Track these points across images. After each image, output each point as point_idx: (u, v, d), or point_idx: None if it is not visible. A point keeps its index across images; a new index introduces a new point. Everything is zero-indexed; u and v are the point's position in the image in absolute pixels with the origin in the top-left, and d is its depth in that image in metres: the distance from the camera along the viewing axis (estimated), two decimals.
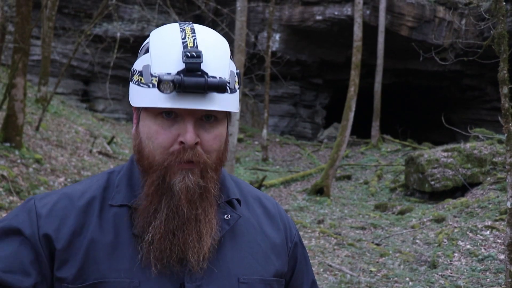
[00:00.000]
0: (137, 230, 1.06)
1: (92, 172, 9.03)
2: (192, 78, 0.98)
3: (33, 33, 14.73)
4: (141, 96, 1.04)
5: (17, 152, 7.89)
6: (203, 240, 1.06)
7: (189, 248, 1.04)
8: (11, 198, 6.49)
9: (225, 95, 1.03)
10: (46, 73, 13.00)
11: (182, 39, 1.04)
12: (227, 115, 1.10)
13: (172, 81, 0.98)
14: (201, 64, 1.00)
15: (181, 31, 1.05)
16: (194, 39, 1.03)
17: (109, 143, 12.43)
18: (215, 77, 1.00)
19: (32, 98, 13.17)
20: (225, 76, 1.03)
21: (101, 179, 1.15)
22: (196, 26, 1.08)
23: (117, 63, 13.18)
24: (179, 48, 1.02)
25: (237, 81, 1.07)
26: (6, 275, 1.01)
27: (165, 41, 1.05)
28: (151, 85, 1.02)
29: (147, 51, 1.06)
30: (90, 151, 10.58)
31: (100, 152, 10.99)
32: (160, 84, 0.98)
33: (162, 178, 1.04)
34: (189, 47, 1.02)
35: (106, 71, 17.43)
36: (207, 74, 1.00)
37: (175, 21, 1.23)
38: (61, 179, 7.97)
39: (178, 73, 0.99)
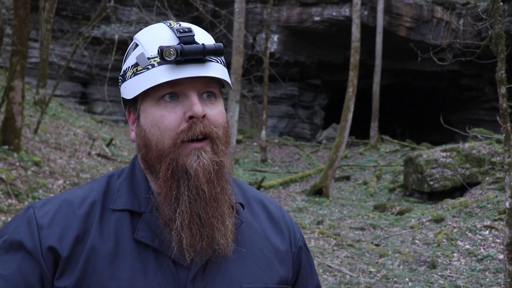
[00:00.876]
0: (162, 220, 1.03)
1: (91, 174, 9.02)
2: (191, 45, 1.02)
3: (31, 36, 14.73)
4: (141, 81, 1.04)
5: (15, 155, 7.88)
6: (226, 221, 1.05)
7: (216, 231, 1.03)
8: (9, 201, 6.48)
9: (220, 66, 1.07)
10: (44, 75, 12.98)
11: (168, 26, 1.08)
12: (221, 95, 1.12)
13: (174, 47, 1.01)
14: (194, 37, 1.04)
15: (164, 23, 1.10)
16: (180, 24, 1.09)
17: (107, 145, 12.41)
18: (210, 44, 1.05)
19: (31, 101, 13.15)
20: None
21: (101, 183, 1.12)
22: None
23: (115, 65, 13.17)
24: (169, 31, 1.06)
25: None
26: None
27: (153, 32, 1.09)
28: (150, 67, 1.03)
29: (136, 46, 1.08)
30: (89, 153, 10.56)
31: (99, 154, 10.98)
32: (163, 52, 1.00)
33: (176, 161, 1.03)
34: (177, 28, 1.06)
35: (105, 73, 17.44)
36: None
37: None
38: (60, 182, 7.96)
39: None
